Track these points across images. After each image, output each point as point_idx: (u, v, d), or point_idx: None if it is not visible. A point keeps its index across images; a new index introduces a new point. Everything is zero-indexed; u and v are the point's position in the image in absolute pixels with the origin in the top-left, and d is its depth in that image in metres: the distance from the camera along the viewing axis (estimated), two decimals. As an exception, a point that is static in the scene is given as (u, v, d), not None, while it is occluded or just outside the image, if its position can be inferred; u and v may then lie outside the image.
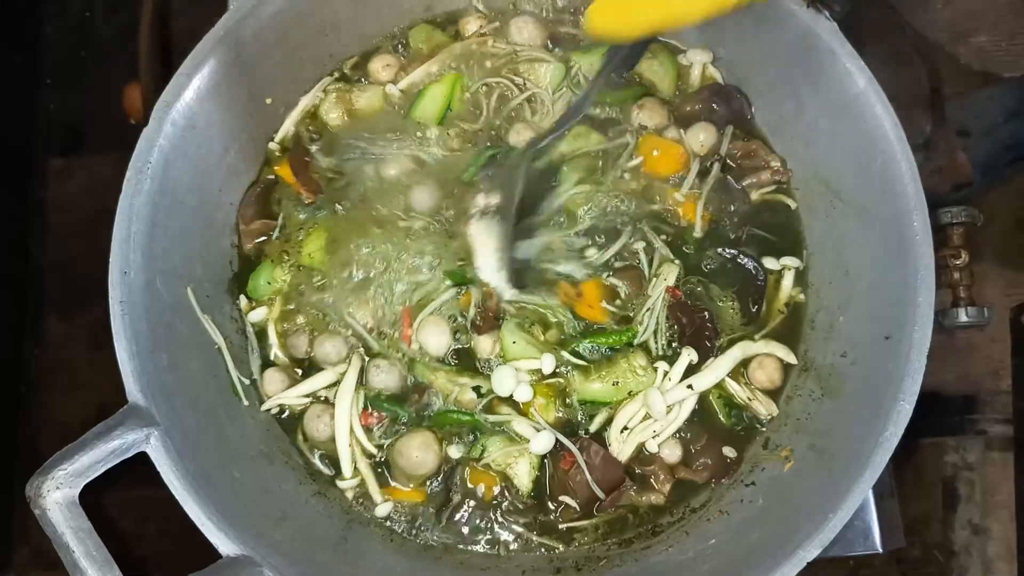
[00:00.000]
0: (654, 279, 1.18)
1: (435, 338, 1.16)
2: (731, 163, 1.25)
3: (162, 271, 1.07)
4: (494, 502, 1.14)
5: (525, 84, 1.26)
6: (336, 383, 1.15)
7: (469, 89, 1.26)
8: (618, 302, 1.18)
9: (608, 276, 1.19)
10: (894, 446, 0.98)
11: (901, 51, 1.44)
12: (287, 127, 1.26)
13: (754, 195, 1.24)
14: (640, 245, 1.20)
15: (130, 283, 1.02)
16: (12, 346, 1.62)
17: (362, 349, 1.17)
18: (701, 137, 1.24)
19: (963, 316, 1.22)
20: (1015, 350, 1.48)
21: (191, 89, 1.08)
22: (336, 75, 1.29)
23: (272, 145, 1.26)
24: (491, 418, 1.14)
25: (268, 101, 1.21)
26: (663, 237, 1.20)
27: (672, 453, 1.15)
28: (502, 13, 1.31)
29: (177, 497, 0.96)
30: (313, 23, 1.20)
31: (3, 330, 1.62)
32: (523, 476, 1.13)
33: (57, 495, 0.89)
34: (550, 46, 1.29)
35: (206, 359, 1.13)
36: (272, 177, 1.25)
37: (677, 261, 1.19)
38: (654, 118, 1.25)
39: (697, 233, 1.21)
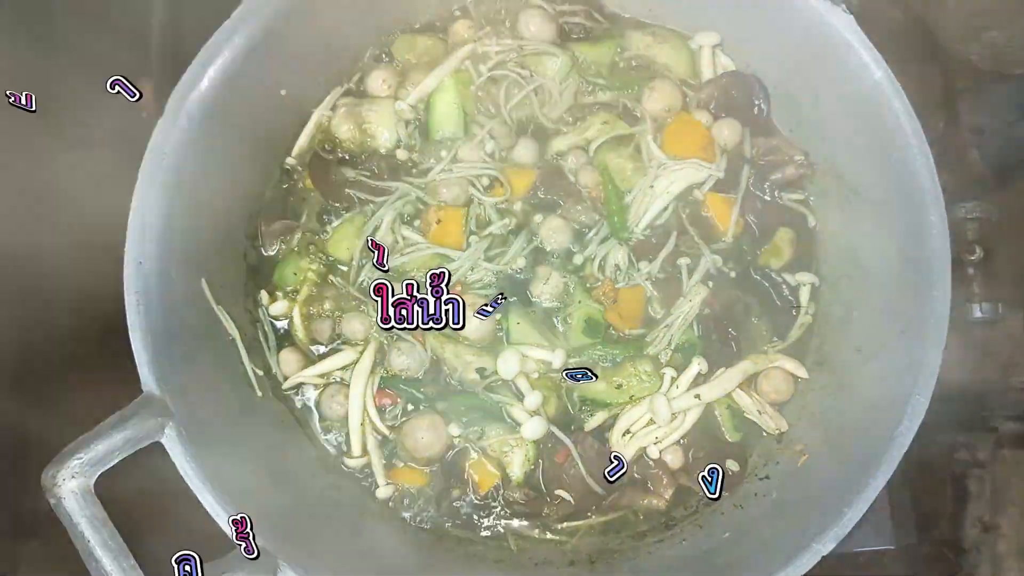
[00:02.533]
0: (682, 298, 1.17)
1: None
2: (755, 162, 1.24)
3: (177, 262, 1.07)
4: (493, 492, 1.14)
5: (532, 76, 1.25)
6: (354, 363, 1.16)
7: (475, 84, 1.24)
8: (651, 310, 1.18)
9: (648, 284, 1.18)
10: (909, 441, 0.98)
11: (914, 47, 1.44)
12: (302, 142, 1.26)
13: (782, 201, 1.24)
14: (684, 261, 1.19)
15: (145, 274, 1.02)
16: (22, 342, 1.61)
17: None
18: (726, 133, 1.24)
19: (977, 312, 1.22)
20: (1028, 347, 1.48)
21: (206, 80, 1.07)
22: (345, 87, 1.28)
23: (290, 160, 1.26)
24: (494, 396, 1.14)
25: (283, 92, 1.20)
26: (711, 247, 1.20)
27: (674, 459, 1.15)
28: (492, 15, 1.30)
29: (192, 487, 0.96)
30: (329, 15, 1.19)
31: (13, 326, 1.61)
32: (516, 466, 1.14)
33: (72, 484, 0.89)
34: (559, 40, 1.27)
35: (220, 351, 1.13)
36: (291, 184, 1.26)
37: (710, 284, 1.18)
38: (666, 99, 1.24)
39: (728, 238, 1.21)
